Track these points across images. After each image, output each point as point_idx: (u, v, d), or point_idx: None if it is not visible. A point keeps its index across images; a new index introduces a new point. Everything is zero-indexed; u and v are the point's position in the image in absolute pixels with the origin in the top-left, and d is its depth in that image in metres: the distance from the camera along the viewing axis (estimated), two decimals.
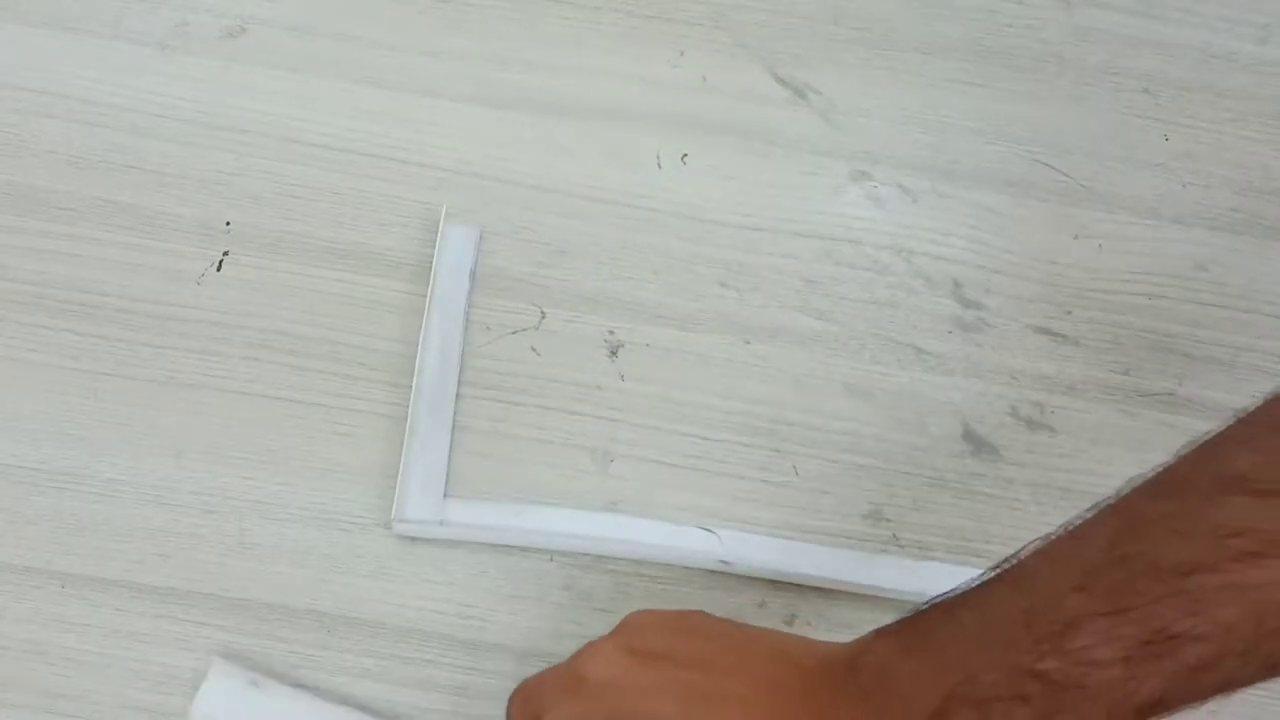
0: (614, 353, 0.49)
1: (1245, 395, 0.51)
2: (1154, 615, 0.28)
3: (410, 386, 0.47)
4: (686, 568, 0.47)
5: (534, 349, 0.49)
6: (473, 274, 0.50)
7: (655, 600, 0.46)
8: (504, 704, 0.45)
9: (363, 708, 0.44)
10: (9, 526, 0.46)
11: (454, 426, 0.48)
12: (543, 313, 0.50)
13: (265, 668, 0.44)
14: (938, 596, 0.34)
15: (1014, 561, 0.33)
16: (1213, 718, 0.44)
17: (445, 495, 0.47)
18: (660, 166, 0.52)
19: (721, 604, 0.46)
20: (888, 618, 0.47)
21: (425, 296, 0.49)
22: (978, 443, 0.50)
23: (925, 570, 0.46)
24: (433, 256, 0.49)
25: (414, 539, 0.46)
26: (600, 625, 0.46)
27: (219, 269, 0.49)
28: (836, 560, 0.47)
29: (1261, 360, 0.52)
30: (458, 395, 0.48)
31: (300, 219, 0.50)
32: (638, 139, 0.52)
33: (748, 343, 0.50)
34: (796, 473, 0.48)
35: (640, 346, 0.49)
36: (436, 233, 0.49)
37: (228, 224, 0.50)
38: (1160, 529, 0.29)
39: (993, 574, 0.33)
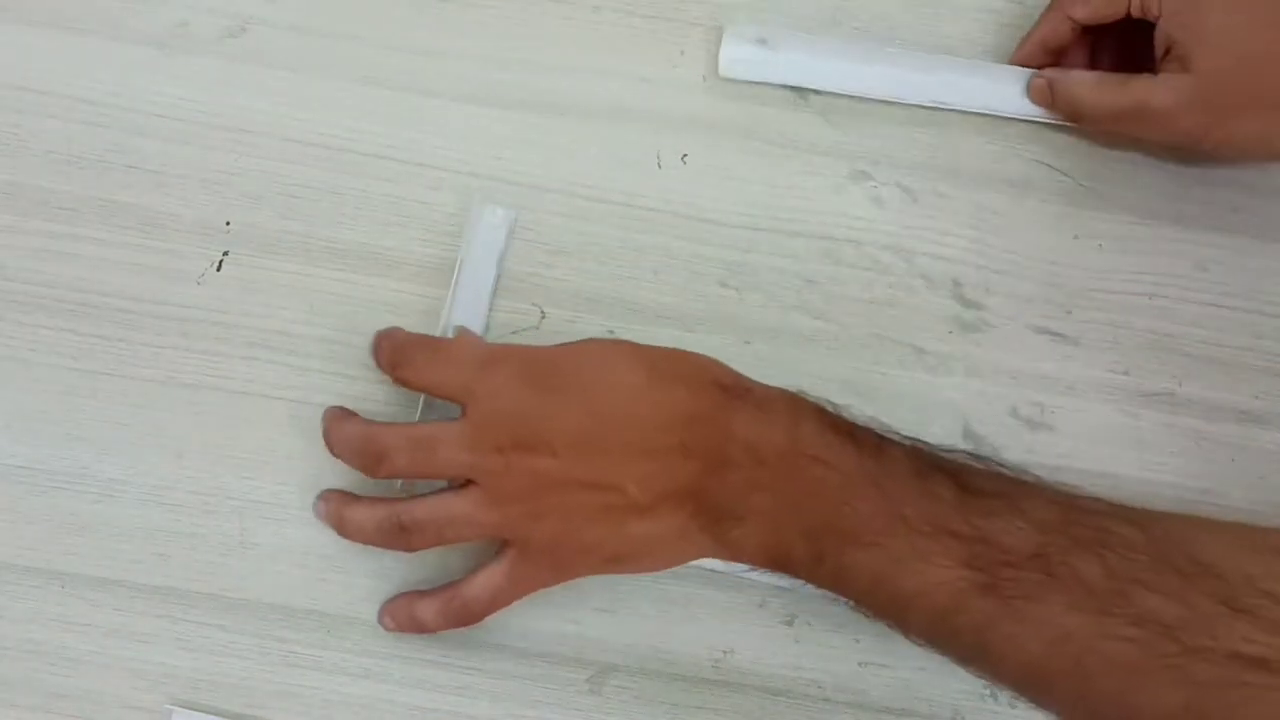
0: None
1: (1245, 395, 0.51)
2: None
3: None
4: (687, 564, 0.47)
5: None
6: (501, 260, 0.50)
7: (654, 605, 0.46)
8: (505, 704, 0.45)
9: None
10: (9, 526, 0.46)
11: None
12: (543, 313, 0.50)
13: (227, 711, 0.44)
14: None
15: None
16: None
17: None
18: (660, 166, 0.52)
19: (721, 604, 0.46)
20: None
21: (424, 296, 0.49)
22: (978, 443, 0.50)
23: None
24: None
25: None
26: (601, 625, 0.46)
27: (219, 269, 0.49)
28: None
29: (1261, 360, 0.52)
30: None
31: (300, 219, 0.50)
32: (638, 139, 0.52)
33: (748, 343, 0.50)
34: None
35: None
36: (430, 229, 0.49)
37: (228, 224, 0.50)
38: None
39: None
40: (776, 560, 0.42)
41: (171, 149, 0.50)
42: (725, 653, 0.46)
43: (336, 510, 0.44)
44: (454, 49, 0.53)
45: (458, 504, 0.42)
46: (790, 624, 0.46)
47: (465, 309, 0.48)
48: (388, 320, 0.49)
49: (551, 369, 0.42)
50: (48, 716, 0.44)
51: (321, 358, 0.48)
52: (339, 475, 0.47)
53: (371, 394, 0.48)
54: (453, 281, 0.48)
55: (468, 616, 0.44)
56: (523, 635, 0.46)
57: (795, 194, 0.52)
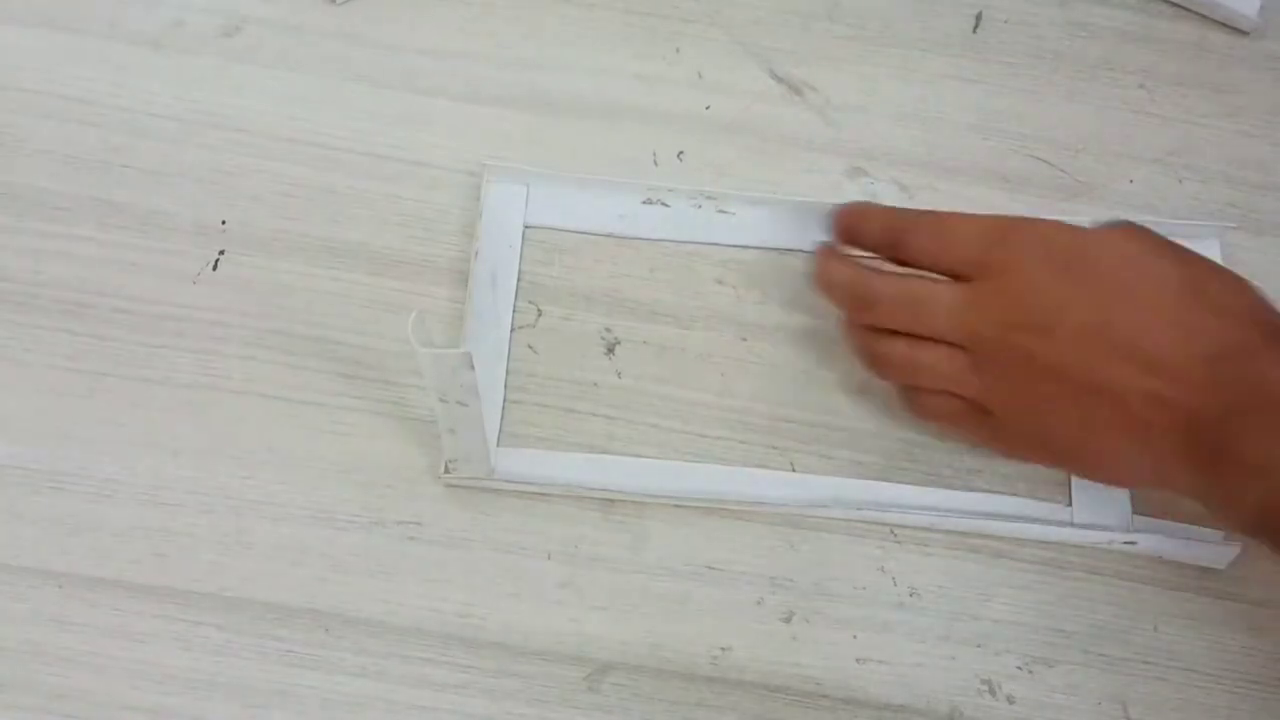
0: (611, 350, 0.49)
1: None
2: None
3: (409, 385, 0.48)
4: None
5: (531, 347, 0.49)
6: (524, 234, 0.49)
7: (652, 602, 0.46)
8: (503, 702, 0.45)
9: None
10: (6, 526, 0.46)
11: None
12: (539, 310, 0.50)
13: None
14: None
15: None
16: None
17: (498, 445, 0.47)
18: (656, 164, 0.52)
19: (718, 601, 0.46)
20: (893, 616, 0.47)
21: (424, 296, 0.49)
22: None
23: None
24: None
25: (412, 539, 0.46)
26: (599, 623, 0.46)
27: (215, 268, 0.49)
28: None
29: None
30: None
31: (297, 218, 0.50)
32: (634, 136, 0.52)
33: (744, 340, 0.50)
34: (794, 469, 0.48)
35: (637, 344, 0.49)
36: (428, 228, 0.49)
37: (224, 223, 0.50)
38: None
39: None
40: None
41: (167, 148, 0.50)
42: (723, 650, 0.46)
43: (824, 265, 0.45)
44: (453, 49, 0.53)
45: (945, 360, 0.42)
46: (788, 621, 0.46)
47: (491, 294, 0.49)
48: (387, 320, 0.49)
49: (1076, 253, 0.41)
50: (47, 717, 0.44)
51: (319, 358, 0.48)
52: (339, 475, 0.47)
53: (369, 393, 0.48)
54: (472, 259, 0.48)
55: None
56: (521, 633, 0.46)
57: (792, 191, 0.52)
